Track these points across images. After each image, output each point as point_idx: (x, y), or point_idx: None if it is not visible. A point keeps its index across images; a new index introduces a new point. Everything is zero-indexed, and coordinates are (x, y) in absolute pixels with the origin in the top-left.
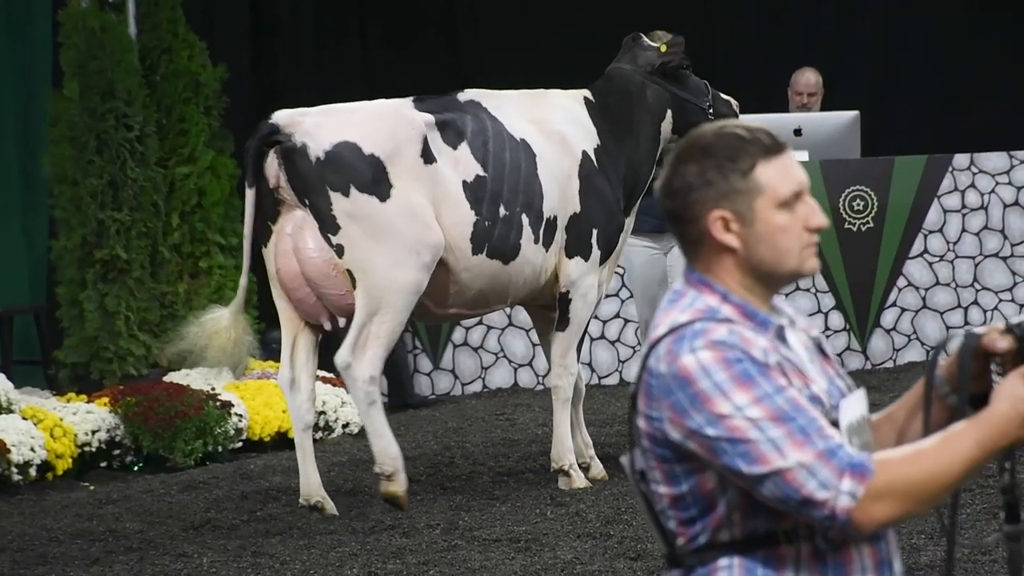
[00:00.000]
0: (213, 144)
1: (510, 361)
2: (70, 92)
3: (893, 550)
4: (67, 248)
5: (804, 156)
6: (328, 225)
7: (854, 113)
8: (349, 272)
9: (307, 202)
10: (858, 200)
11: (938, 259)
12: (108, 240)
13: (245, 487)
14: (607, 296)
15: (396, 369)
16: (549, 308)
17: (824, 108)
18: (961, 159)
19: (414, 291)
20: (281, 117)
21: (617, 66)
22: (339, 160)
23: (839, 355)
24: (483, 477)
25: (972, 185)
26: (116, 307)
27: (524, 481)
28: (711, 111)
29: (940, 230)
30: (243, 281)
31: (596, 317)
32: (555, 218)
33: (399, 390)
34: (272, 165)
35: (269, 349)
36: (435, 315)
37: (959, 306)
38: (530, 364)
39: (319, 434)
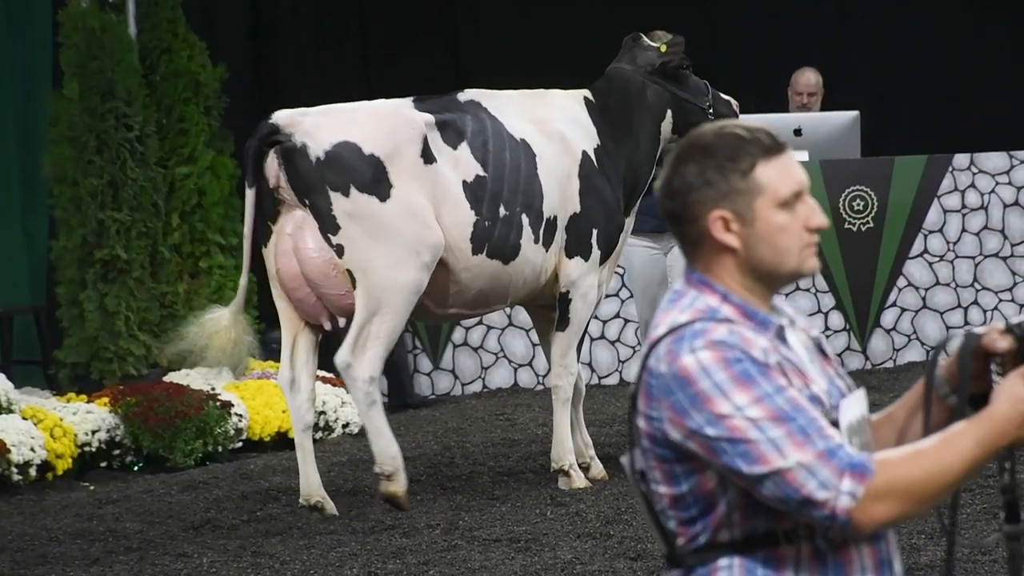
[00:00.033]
0: (213, 144)
1: (510, 361)
2: (70, 92)
3: (893, 550)
4: (67, 248)
5: (804, 156)
6: (328, 225)
7: (854, 113)
8: (349, 272)
9: (307, 202)
10: (858, 200)
11: (938, 259)
12: (108, 240)
13: (245, 487)
14: (607, 296)
15: (396, 369)
16: (549, 308)
17: (824, 108)
18: (961, 159)
19: (414, 291)
20: (281, 117)
21: (617, 66)
22: (339, 160)
23: (839, 355)
24: (483, 477)
25: (972, 185)
26: (116, 307)
27: (524, 481)
28: (711, 111)
29: (940, 230)
30: (243, 281)
31: (596, 317)
32: (555, 218)
33: (399, 390)
34: (272, 165)
35: (269, 349)
36: (435, 315)
37: (959, 306)
38: (530, 364)
39: (319, 434)
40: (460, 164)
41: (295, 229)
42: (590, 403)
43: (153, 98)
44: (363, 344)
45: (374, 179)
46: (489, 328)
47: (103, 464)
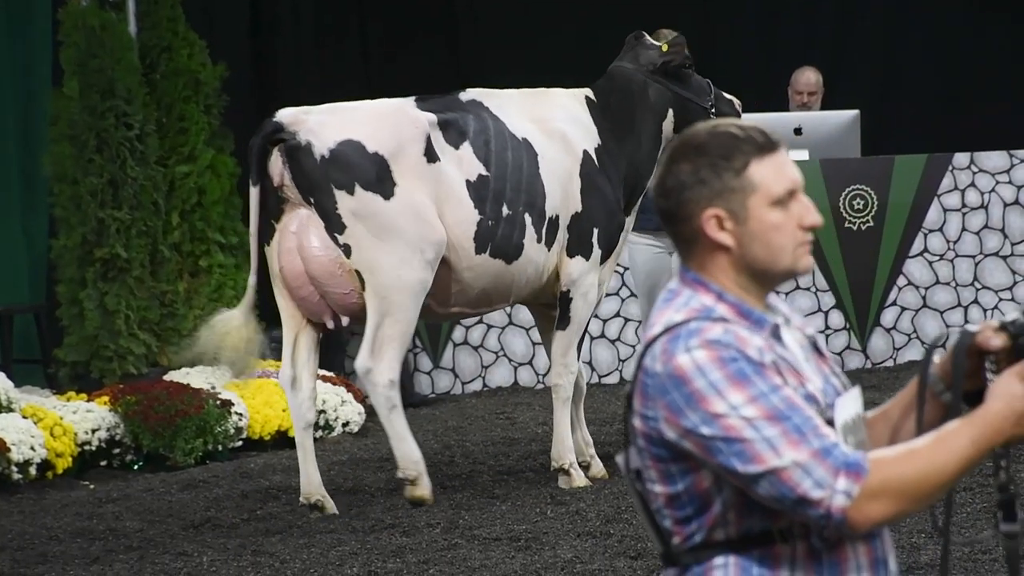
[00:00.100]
0: (213, 143)
1: (510, 360)
2: (70, 91)
3: (888, 548)
4: (67, 247)
5: (804, 155)
6: (334, 224)
7: (854, 112)
8: (358, 273)
9: (312, 200)
10: (858, 199)
11: (938, 258)
12: (108, 239)
13: (245, 486)
14: (607, 295)
15: None
16: (550, 307)
17: (824, 107)
18: (961, 158)
19: (421, 289)
20: (285, 115)
21: (619, 65)
22: (343, 158)
23: (839, 354)
24: (483, 476)
25: (972, 184)
26: (116, 306)
27: (524, 480)
28: (713, 110)
29: (940, 229)
30: (252, 280)
31: (596, 316)
32: (557, 217)
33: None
34: (276, 163)
35: (269, 348)
36: (438, 314)
37: (959, 305)
38: (530, 363)
39: (319, 433)
40: (463, 163)
41: (300, 227)
42: (590, 402)
43: (153, 96)
44: (380, 348)
45: (378, 177)
46: (489, 327)
47: (103, 463)
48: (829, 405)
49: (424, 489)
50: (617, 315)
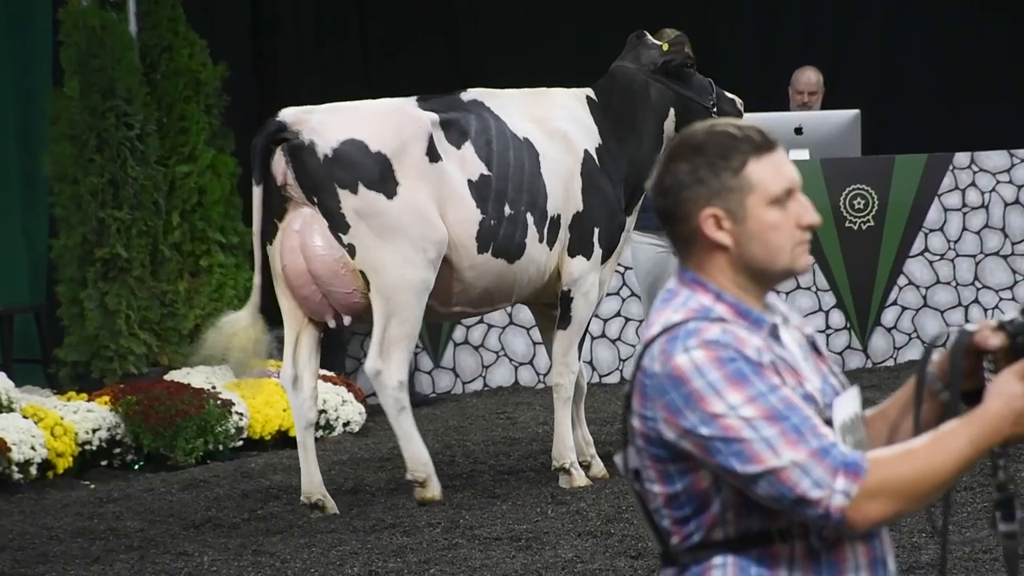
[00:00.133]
0: (213, 142)
1: (511, 360)
2: (70, 90)
3: (887, 548)
4: (67, 247)
5: (805, 155)
6: (338, 224)
7: (855, 112)
8: (362, 273)
9: (315, 200)
10: (859, 199)
11: (939, 258)
12: (108, 239)
13: (246, 486)
14: (608, 295)
15: None
16: (551, 306)
17: (825, 107)
18: (962, 158)
19: (424, 289)
20: (288, 115)
21: (620, 64)
22: (347, 157)
23: (840, 354)
24: (484, 475)
25: (973, 184)
26: (116, 305)
27: (525, 479)
28: (715, 109)
29: (941, 228)
30: (257, 280)
31: (597, 316)
32: (559, 217)
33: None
34: (279, 163)
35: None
36: (440, 313)
37: (960, 304)
38: (531, 362)
39: (319, 433)
40: (465, 163)
41: (303, 226)
42: (591, 401)
43: (153, 96)
44: (388, 350)
45: (381, 177)
46: (490, 327)
47: (104, 463)
48: (827, 405)
49: (434, 491)
50: (618, 315)
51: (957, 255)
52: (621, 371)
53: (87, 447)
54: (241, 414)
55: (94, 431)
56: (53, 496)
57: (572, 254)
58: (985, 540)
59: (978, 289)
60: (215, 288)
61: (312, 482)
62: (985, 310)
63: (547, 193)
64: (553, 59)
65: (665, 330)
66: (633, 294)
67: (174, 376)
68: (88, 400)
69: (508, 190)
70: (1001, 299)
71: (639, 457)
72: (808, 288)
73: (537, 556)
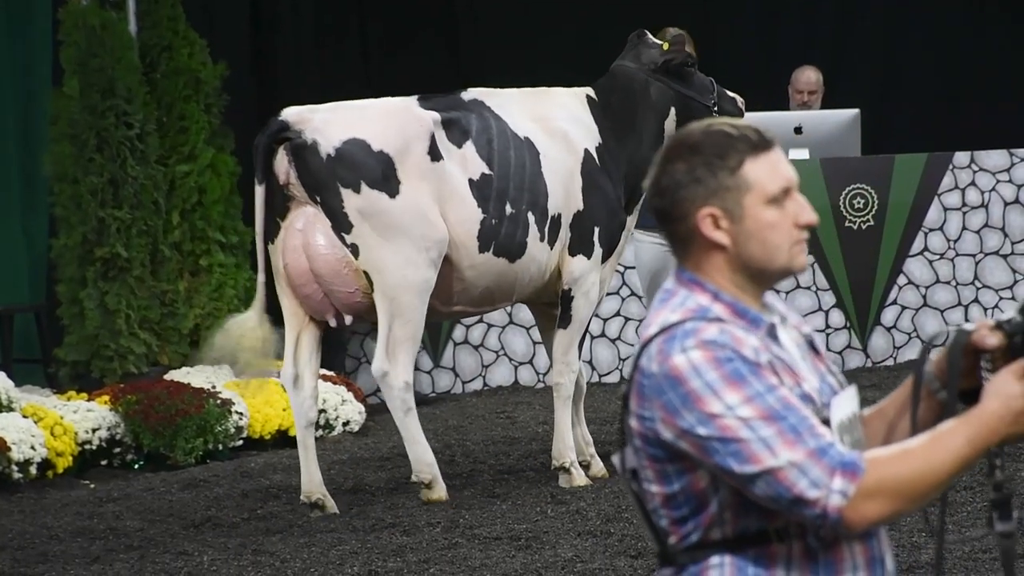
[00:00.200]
0: (213, 142)
1: (511, 359)
2: (70, 90)
3: (885, 547)
4: (67, 246)
5: (804, 154)
6: (341, 223)
7: (854, 111)
8: (366, 273)
9: (318, 199)
10: (858, 198)
11: (938, 257)
12: (108, 238)
13: (245, 485)
14: (608, 294)
15: None
16: (552, 305)
17: (824, 106)
18: (961, 157)
19: (426, 288)
20: (290, 114)
21: (621, 63)
22: (349, 157)
23: (840, 353)
24: (483, 475)
25: (972, 183)
26: (116, 305)
27: (525, 479)
28: (716, 108)
29: (941, 228)
30: (261, 279)
31: (597, 315)
32: (559, 216)
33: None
34: (282, 162)
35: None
36: (441, 312)
37: (959, 304)
38: (531, 362)
39: (319, 432)
40: (466, 162)
41: (306, 225)
42: (591, 401)
43: (153, 96)
44: (393, 350)
45: (384, 176)
46: (490, 326)
47: (103, 462)
48: (825, 404)
49: (439, 492)
50: (617, 314)
51: (957, 254)
52: (621, 371)
53: (87, 447)
54: (241, 414)
55: (94, 431)
56: (53, 496)
57: (573, 253)
58: (983, 540)
59: (978, 288)
60: (215, 287)
61: (312, 481)
62: (985, 309)
63: (548, 192)
64: (553, 59)
65: (663, 330)
66: (633, 294)
67: (174, 376)
68: (88, 400)
69: (509, 189)
70: (1001, 298)
71: (637, 457)
72: (808, 287)
73: (537, 556)
